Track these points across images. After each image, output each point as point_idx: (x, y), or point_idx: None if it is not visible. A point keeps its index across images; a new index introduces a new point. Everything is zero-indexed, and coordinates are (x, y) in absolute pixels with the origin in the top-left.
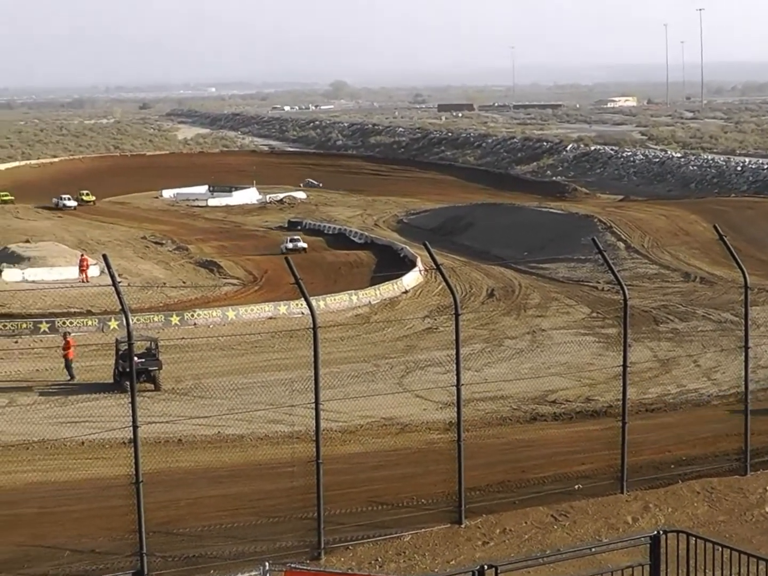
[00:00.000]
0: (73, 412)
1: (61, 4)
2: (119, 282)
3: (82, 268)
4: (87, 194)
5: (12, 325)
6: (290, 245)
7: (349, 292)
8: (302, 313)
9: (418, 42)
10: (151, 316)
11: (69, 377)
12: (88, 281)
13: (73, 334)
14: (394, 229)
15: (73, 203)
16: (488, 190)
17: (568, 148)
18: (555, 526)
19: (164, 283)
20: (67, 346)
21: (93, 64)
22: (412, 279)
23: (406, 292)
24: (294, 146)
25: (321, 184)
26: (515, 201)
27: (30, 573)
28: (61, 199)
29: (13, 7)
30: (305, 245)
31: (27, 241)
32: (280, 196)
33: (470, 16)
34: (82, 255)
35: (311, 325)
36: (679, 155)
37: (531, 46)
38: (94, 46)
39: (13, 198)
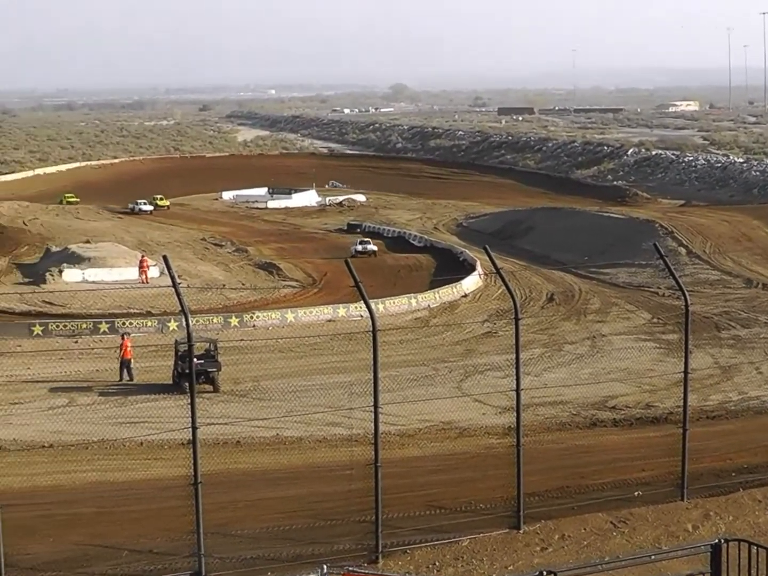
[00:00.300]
0: (132, 413)
1: (121, 5)
2: (179, 283)
3: (142, 269)
4: (161, 199)
5: (72, 325)
6: (360, 248)
7: (408, 295)
8: (361, 316)
9: (479, 45)
10: (211, 317)
11: (120, 378)
12: (147, 282)
13: (132, 335)
14: (453, 233)
15: (149, 207)
16: (548, 194)
17: (629, 153)
18: (614, 533)
19: (223, 285)
20: (121, 347)
21: (154, 66)
22: (471, 283)
23: (465, 295)
24: (353, 149)
25: (346, 185)
26: (575, 205)
27: (88, 572)
28: (137, 203)
29: (75, 9)
30: (375, 248)
31: (87, 242)
32: (340, 198)
33: (531, 19)
34: (142, 256)
35: (370, 328)
36: (741, 160)
37: (592, 49)
38: (154, 47)
39: (78, 199)
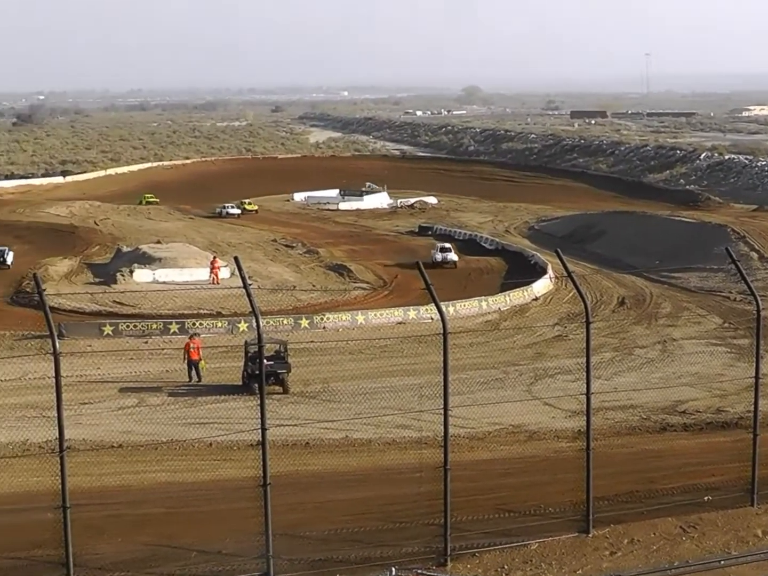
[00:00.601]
0: (202, 414)
1: (194, 7)
2: (250, 284)
3: (214, 269)
4: (249, 203)
5: (142, 326)
6: (439, 257)
7: (479, 298)
8: (431, 319)
9: (552, 48)
10: (281, 318)
11: (189, 379)
12: (218, 283)
13: (202, 336)
14: (524, 236)
15: (236, 211)
16: (620, 198)
17: (701, 157)
18: (683, 538)
19: (294, 286)
20: (186, 347)
21: (226, 67)
22: (542, 286)
23: (536, 299)
24: (425, 151)
25: (383, 186)
26: (647, 209)
27: (157, 572)
28: (224, 207)
29: (149, 11)
30: (456, 258)
31: (158, 242)
32: (411, 200)
33: (605, 23)
34: (213, 257)
35: (441, 331)
36: None
37: (666, 53)
38: (227, 48)
39: (158, 200)
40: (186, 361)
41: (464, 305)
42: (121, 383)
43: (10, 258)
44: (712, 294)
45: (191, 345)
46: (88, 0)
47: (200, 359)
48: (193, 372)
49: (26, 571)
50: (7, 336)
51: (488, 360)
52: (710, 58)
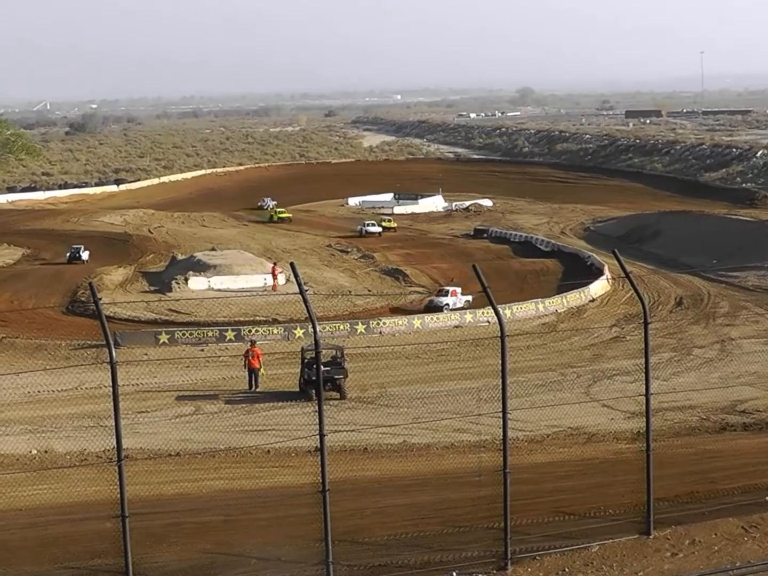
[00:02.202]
0: (259, 421)
1: (244, 15)
2: (306, 290)
3: (275, 276)
4: (389, 220)
5: (198, 333)
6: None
7: (535, 300)
8: (488, 322)
9: (606, 48)
10: (337, 324)
11: (249, 386)
12: (277, 290)
13: (258, 343)
14: (580, 237)
15: (377, 229)
16: (676, 198)
17: (758, 155)
18: (745, 538)
19: (350, 292)
20: (246, 354)
21: (279, 73)
22: (599, 287)
23: (593, 300)
24: (480, 153)
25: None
26: (704, 208)
27: None
28: (364, 225)
29: (198, 18)
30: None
31: (213, 249)
32: (466, 203)
33: (659, 22)
34: (274, 263)
35: (498, 334)
36: None
37: (721, 51)
38: (279, 53)
39: (290, 215)
40: (246, 369)
41: (521, 308)
42: (177, 391)
43: (86, 255)
44: None
45: (251, 352)
46: (140, 9)
47: (260, 367)
48: (252, 380)
49: None
50: (63, 346)
51: (545, 362)
52: (765, 56)
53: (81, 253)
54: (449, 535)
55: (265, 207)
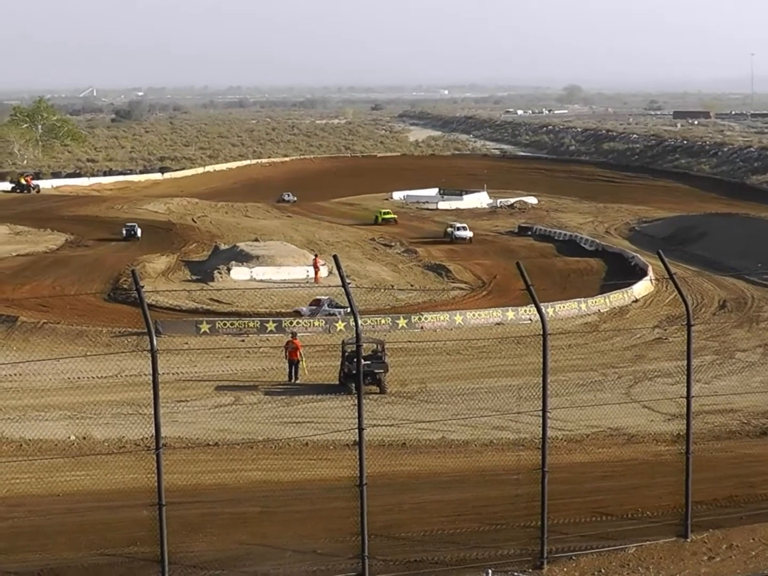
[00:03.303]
0: (298, 413)
1: (294, 4)
2: (348, 283)
3: (317, 268)
4: (464, 228)
5: (239, 324)
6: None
7: (578, 299)
8: (530, 320)
9: (655, 47)
10: (379, 318)
11: (288, 378)
12: (319, 282)
13: (299, 335)
14: (625, 237)
15: (468, 234)
16: (723, 200)
17: None
18: None
19: (392, 286)
20: (286, 346)
21: (325, 64)
22: (642, 288)
23: (636, 301)
24: (526, 151)
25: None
26: (750, 211)
27: (252, 571)
28: (454, 228)
29: (247, 8)
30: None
31: (256, 240)
32: (511, 200)
33: (708, 23)
34: (315, 256)
35: (540, 332)
36: None
37: None
38: (326, 45)
39: (395, 216)
40: (287, 361)
41: (563, 306)
42: (217, 381)
43: (139, 232)
44: None
45: (291, 344)
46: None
47: (300, 359)
48: (292, 372)
49: (122, 569)
50: (104, 333)
51: (587, 362)
52: None
53: (136, 230)
54: (486, 532)
55: (288, 201)
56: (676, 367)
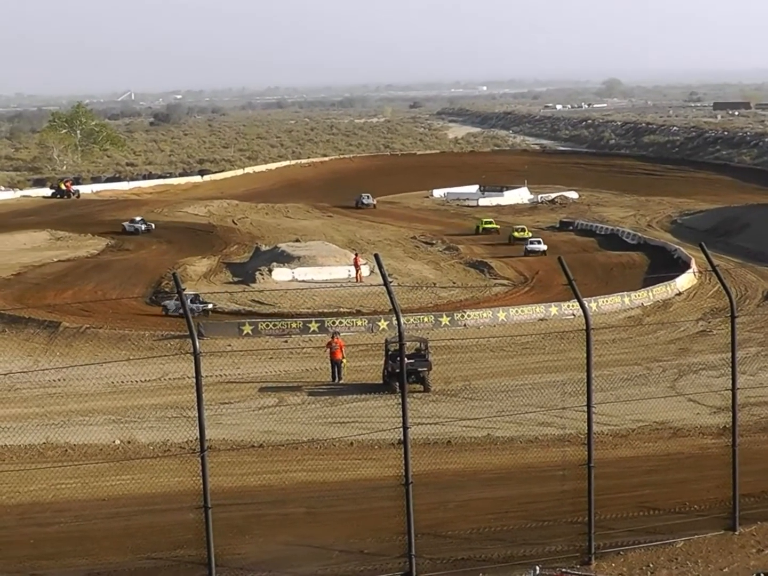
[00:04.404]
0: (342, 413)
1: (332, 5)
2: (390, 282)
3: (357, 267)
4: (538, 240)
5: (282, 325)
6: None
7: (621, 293)
8: (573, 315)
9: (694, 39)
10: (421, 316)
11: (332, 378)
12: (362, 281)
13: (342, 334)
14: (667, 230)
15: (542, 247)
16: (764, 191)
17: None
18: None
19: (434, 284)
20: (329, 345)
21: (364, 63)
22: (685, 281)
23: (679, 294)
24: (566, 145)
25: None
26: None
27: (298, 573)
28: (528, 243)
29: (285, 9)
30: (545, 247)
31: (297, 241)
32: (552, 195)
33: (747, 14)
34: (356, 254)
35: (583, 327)
36: None
37: None
38: (364, 44)
39: (498, 227)
40: (330, 360)
41: (606, 301)
42: (260, 383)
43: (144, 226)
44: None
45: (333, 344)
46: (226, 2)
47: (343, 358)
48: (335, 371)
49: (168, 572)
50: (146, 336)
51: (631, 356)
52: None
53: (139, 224)
54: (532, 529)
55: (367, 203)
56: (721, 359)
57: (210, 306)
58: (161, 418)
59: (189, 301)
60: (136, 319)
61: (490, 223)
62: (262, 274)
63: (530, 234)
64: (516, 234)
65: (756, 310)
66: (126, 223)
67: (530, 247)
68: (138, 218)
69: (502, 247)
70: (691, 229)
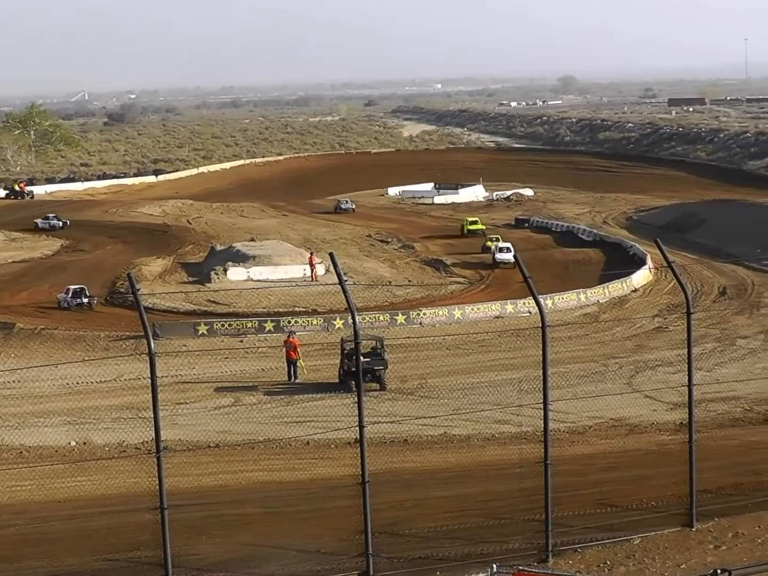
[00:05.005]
0: (299, 412)
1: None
2: (345, 281)
3: (312, 266)
4: (507, 248)
5: (237, 324)
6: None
7: (577, 290)
8: (529, 312)
9: (649, 36)
10: (377, 315)
11: (288, 378)
12: (317, 280)
13: (298, 334)
14: (623, 227)
15: (508, 257)
16: (720, 186)
17: None
18: None
19: (390, 282)
20: (285, 344)
21: (319, 62)
22: (641, 277)
23: (635, 290)
24: (521, 143)
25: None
26: (748, 197)
27: (256, 573)
28: (496, 251)
29: (236, 7)
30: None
31: (252, 240)
32: (508, 193)
33: (703, 8)
34: (311, 254)
35: (539, 324)
36: None
37: (765, 38)
38: (319, 43)
39: (483, 227)
40: (286, 360)
41: (563, 298)
42: (216, 383)
43: (60, 223)
44: None
45: (289, 343)
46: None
47: (298, 358)
48: (292, 371)
49: (126, 573)
50: (101, 337)
51: (587, 353)
52: None
53: (53, 219)
54: (490, 527)
55: (345, 208)
56: (678, 355)
57: (95, 301)
58: (117, 419)
59: (71, 294)
60: (92, 319)
61: (476, 223)
62: (217, 274)
63: (484, 226)
64: (470, 227)
65: (712, 306)
66: (39, 221)
67: (499, 257)
68: (51, 215)
69: (457, 239)
70: (647, 226)
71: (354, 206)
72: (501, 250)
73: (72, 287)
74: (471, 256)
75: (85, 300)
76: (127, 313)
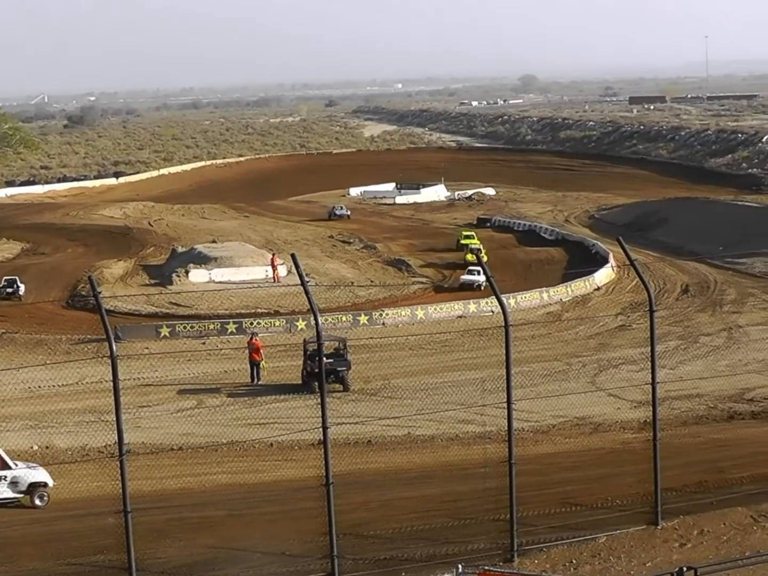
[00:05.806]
0: (262, 414)
1: (246, 3)
2: (307, 282)
3: (274, 267)
4: (472, 236)
5: (199, 326)
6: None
7: (539, 289)
8: (492, 312)
9: (610, 34)
10: (340, 315)
11: (251, 379)
12: (279, 281)
13: (260, 335)
14: (585, 225)
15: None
16: (682, 184)
17: (764, 140)
18: (755, 528)
19: (352, 283)
20: (248, 346)
21: (279, 62)
22: (604, 275)
23: (598, 288)
24: (482, 142)
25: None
26: (710, 195)
27: (220, 575)
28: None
29: (199, 9)
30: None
31: (214, 242)
32: (469, 192)
33: (663, 7)
34: (273, 254)
35: (502, 324)
36: None
37: (725, 36)
38: (278, 44)
39: (479, 244)
40: (249, 362)
41: (525, 297)
42: (179, 385)
43: (22, 288)
44: None
45: (251, 345)
46: (138, 1)
47: (261, 359)
48: (255, 372)
49: None
50: (63, 340)
51: (551, 352)
52: None
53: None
54: (455, 527)
55: (340, 215)
56: (641, 353)
57: (22, 291)
58: (79, 423)
59: (3, 284)
60: (53, 323)
61: (473, 238)
62: (179, 276)
63: (479, 243)
64: (464, 241)
65: (675, 303)
66: None
67: (465, 278)
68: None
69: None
70: (610, 224)
71: (349, 212)
72: (471, 271)
73: (6, 278)
74: (437, 256)
75: (10, 290)
76: (89, 316)
